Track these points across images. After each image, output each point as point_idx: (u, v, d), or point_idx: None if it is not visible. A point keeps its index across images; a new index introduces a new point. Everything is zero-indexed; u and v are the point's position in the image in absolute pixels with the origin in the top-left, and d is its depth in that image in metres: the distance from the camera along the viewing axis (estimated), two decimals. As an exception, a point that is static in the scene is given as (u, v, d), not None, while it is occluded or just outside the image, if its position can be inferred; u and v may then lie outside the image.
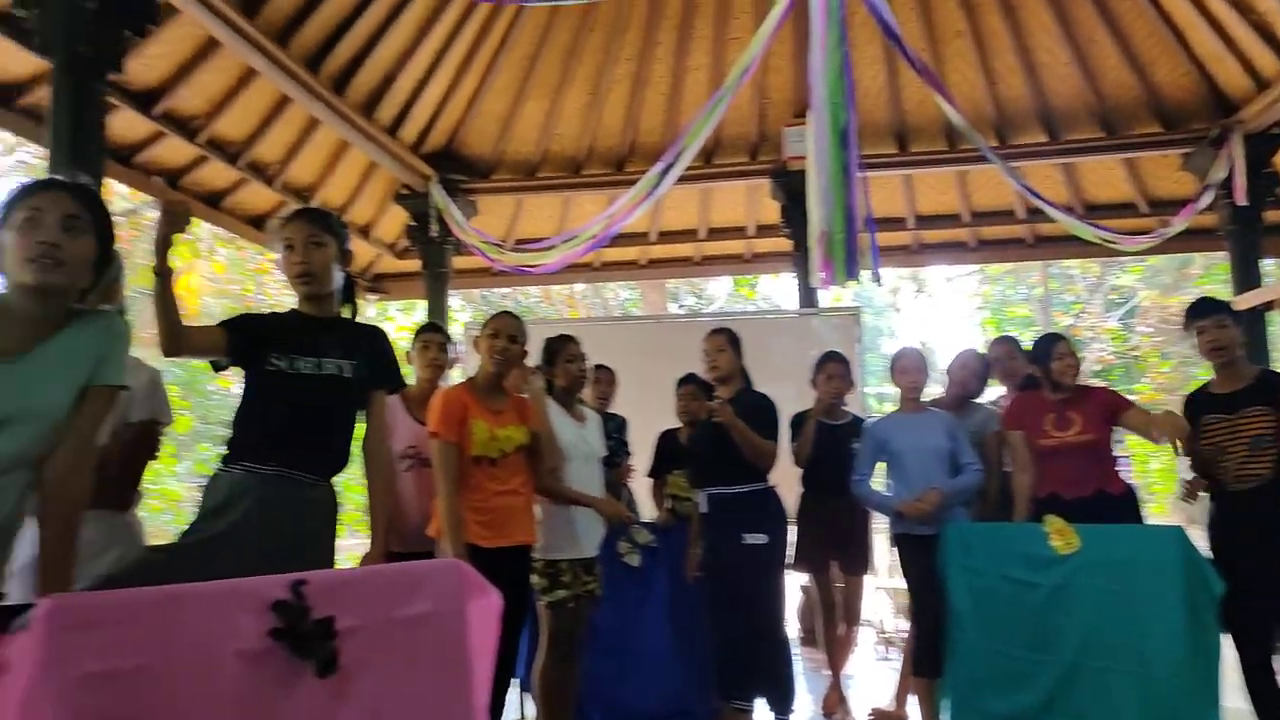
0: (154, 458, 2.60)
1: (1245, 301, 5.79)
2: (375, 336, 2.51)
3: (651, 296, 15.32)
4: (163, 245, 2.08)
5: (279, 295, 14.28)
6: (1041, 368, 3.57)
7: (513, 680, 3.40)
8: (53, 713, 1.41)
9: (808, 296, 6.81)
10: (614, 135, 7.08)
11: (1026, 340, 4.12)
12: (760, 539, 3.49)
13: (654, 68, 6.79)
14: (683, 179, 5.02)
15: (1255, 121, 5.94)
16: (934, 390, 4.22)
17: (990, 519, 3.76)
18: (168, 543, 2.22)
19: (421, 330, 3.70)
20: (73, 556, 1.72)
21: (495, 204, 7.57)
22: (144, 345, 4.47)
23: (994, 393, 4.43)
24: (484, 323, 3.24)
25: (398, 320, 13.82)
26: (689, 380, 4.25)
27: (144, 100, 4.91)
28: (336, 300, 2.45)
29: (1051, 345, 3.59)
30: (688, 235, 8.05)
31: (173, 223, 2.08)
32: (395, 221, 7.53)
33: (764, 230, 7.80)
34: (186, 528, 2.19)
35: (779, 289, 19.95)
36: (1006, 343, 4.24)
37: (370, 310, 9.53)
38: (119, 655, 1.49)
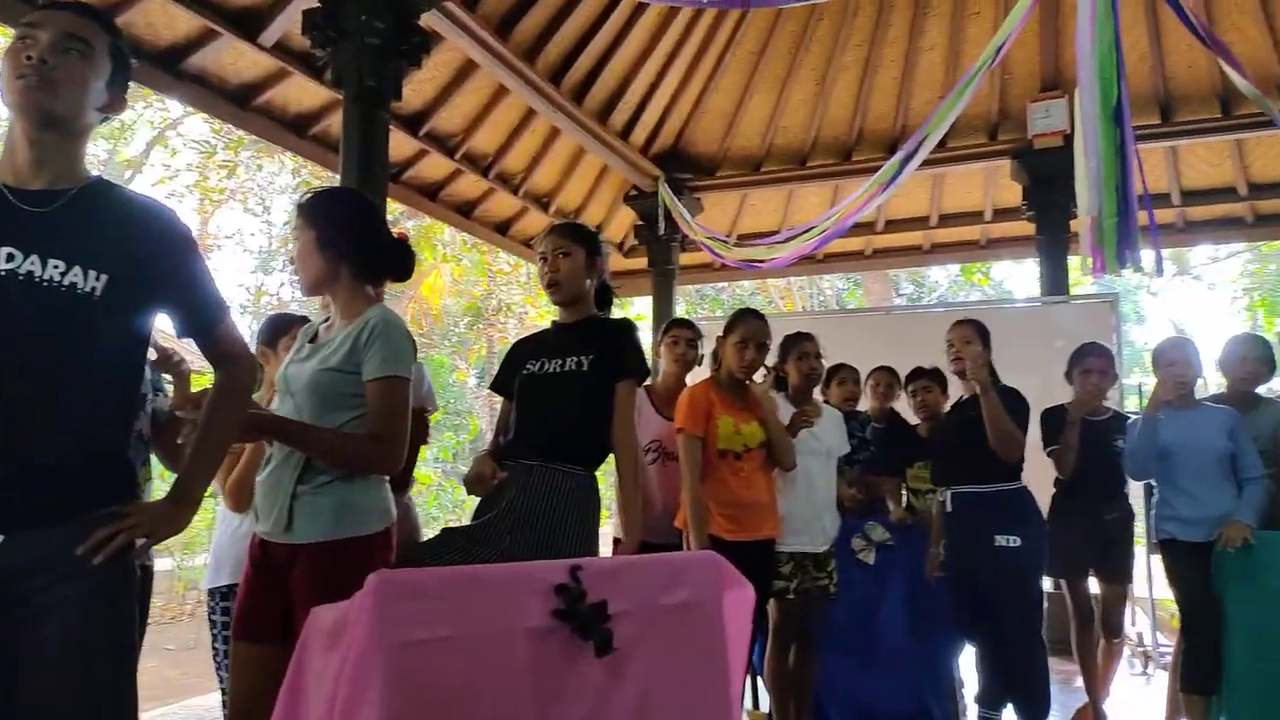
0: (425, 443, 2.89)
1: None
2: (614, 333, 2.57)
3: (874, 286, 14.89)
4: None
5: (512, 294, 15.27)
6: None
7: (749, 669, 3.50)
8: (380, 673, 1.62)
9: (1054, 283, 6.37)
10: (841, 125, 6.96)
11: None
12: (1014, 541, 3.32)
13: (885, 51, 6.60)
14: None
15: None
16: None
17: (1280, 527, 3.38)
18: (456, 526, 2.47)
19: (670, 326, 3.76)
20: None
21: (720, 200, 7.68)
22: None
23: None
24: (730, 323, 3.28)
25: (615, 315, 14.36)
26: (922, 373, 4.15)
27: (411, 122, 5.43)
28: (591, 303, 2.61)
29: None
30: (918, 223, 7.75)
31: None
32: (624, 222, 7.84)
33: (1002, 214, 7.37)
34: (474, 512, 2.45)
35: (1013, 274, 18.75)
36: None
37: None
38: (432, 625, 1.69)
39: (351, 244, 2.18)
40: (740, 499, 3.12)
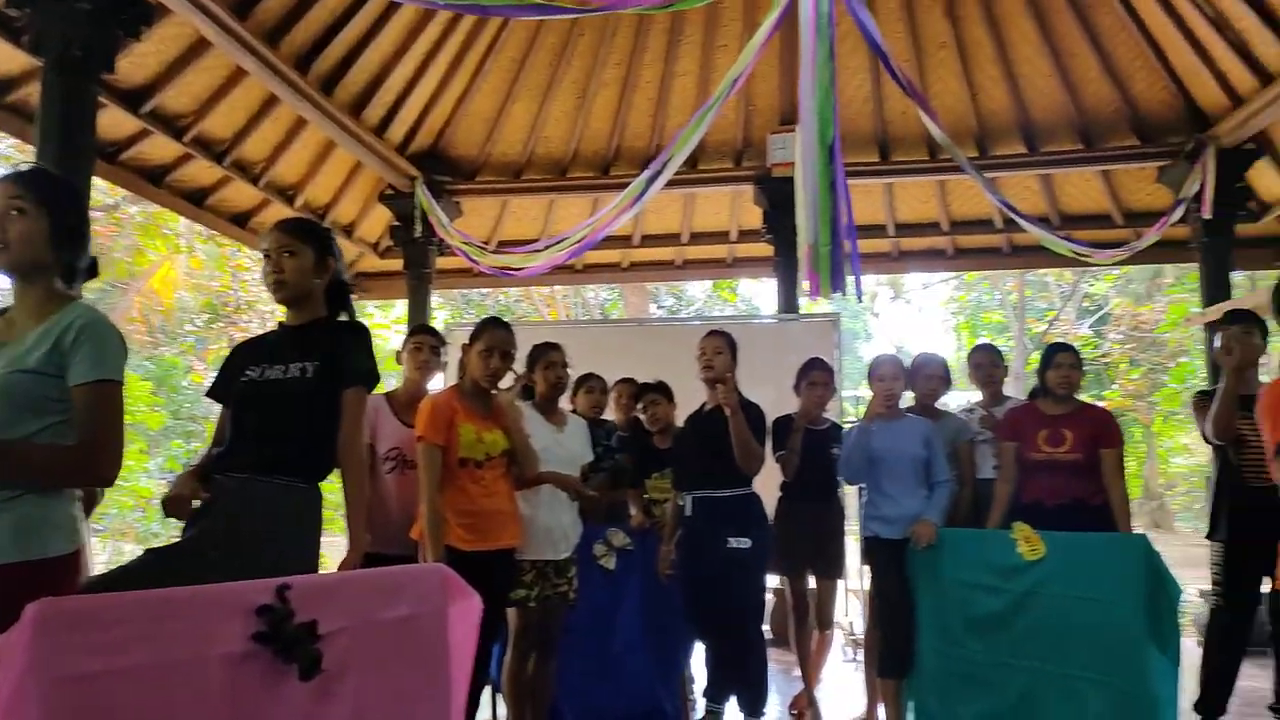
0: None
1: (1215, 312, 5.92)
2: (341, 336, 2.43)
3: (633, 298, 15.38)
4: None
5: (255, 290, 14.25)
6: (1040, 375, 3.64)
7: (488, 681, 3.45)
8: (38, 711, 1.44)
9: (788, 302, 6.88)
10: (600, 139, 7.12)
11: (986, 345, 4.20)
12: (745, 544, 3.53)
13: (642, 73, 6.84)
14: (667, 184, 5.07)
15: (1229, 137, 6.07)
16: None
17: (961, 526, 3.83)
18: (162, 546, 2.24)
19: (413, 332, 3.69)
20: None
21: (480, 205, 7.61)
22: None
23: (960, 397, 4.51)
24: (476, 331, 3.24)
25: (375, 319, 13.83)
26: (650, 388, 4.35)
27: (132, 98, 4.91)
28: (320, 304, 2.47)
29: (1053, 354, 3.65)
30: (670, 239, 8.10)
31: None
32: (379, 221, 7.55)
33: (746, 235, 7.88)
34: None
35: (760, 292, 20.07)
36: (988, 350, 4.31)
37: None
38: (108, 656, 1.52)
39: (74, 236, 1.98)
40: (480, 508, 3.08)
